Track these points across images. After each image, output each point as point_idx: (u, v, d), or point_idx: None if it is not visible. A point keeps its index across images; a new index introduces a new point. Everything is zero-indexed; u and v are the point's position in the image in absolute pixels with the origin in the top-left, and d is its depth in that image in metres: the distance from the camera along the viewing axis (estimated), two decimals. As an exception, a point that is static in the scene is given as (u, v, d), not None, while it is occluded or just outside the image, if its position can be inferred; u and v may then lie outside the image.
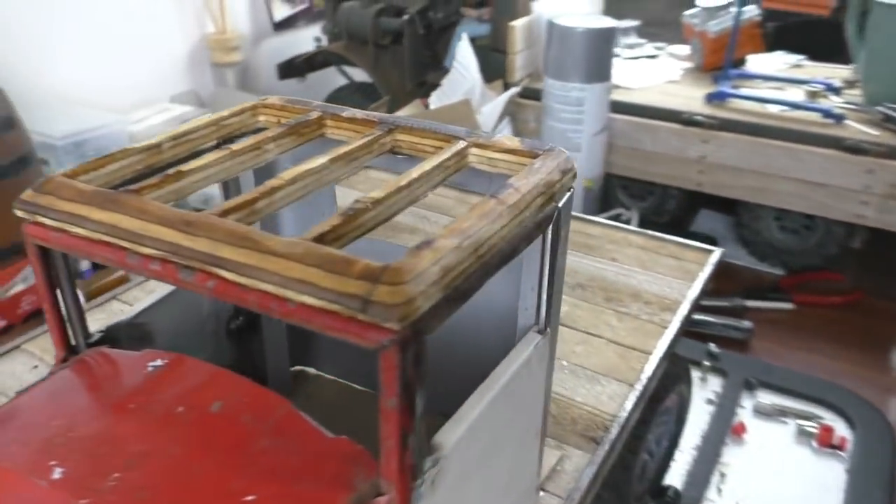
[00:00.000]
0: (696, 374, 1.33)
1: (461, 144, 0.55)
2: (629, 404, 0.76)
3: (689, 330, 1.08)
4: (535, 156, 0.54)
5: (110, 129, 1.77)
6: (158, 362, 0.47)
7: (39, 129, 1.69)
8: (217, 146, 0.58)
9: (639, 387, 0.79)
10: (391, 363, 0.36)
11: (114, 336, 0.56)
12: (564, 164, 0.53)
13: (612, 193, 1.92)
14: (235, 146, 0.54)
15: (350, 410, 0.73)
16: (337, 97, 2.31)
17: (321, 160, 0.51)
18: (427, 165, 0.51)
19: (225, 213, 0.44)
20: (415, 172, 0.50)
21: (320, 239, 0.41)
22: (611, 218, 1.70)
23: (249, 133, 0.62)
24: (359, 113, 0.61)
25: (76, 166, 0.50)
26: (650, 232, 1.12)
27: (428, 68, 2.10)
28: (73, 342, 0.53)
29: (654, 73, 1.93)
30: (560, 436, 0.73)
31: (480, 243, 0.42)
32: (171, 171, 0.49)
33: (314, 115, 0.61)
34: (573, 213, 1.07)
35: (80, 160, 1.68)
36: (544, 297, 0.55)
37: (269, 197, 0.47)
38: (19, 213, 0.47)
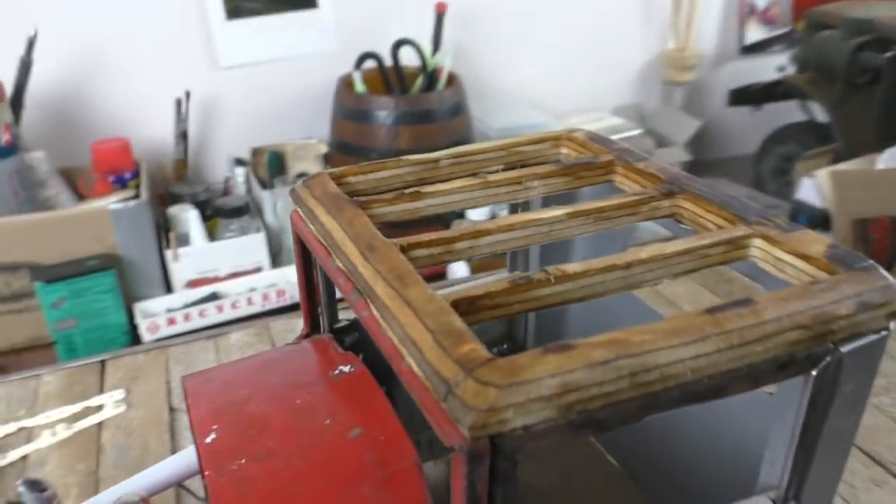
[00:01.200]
0: None
1: (741, 231, 0.43)
2: None
3: None
4: (833, 272, 0.39)
5: (540, 129, 1.89)
6: (346, 369, 0.48)
7: (482, 118, 1.89)
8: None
9: None
10: (457, 473, 0.30)
11: (360, 328, 0.59)
12: (872, 296, 0.37)
13: None
14: (493, 177, 0.51)
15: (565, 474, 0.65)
16: (783, 133, 2.07)
17: (557, 212, 0.45)
18: (671, 248, 0.41)
19: (413, 247, 0.42)
20: (645, 252, 0.41)
21: (464, 303, 0.36)
22: None
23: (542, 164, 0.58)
24: (652, 165, 0.52)
25: (351, 166, 0.53)
26: None
27: (910, 120, 1.73)
28: (319, 323, 0.57)
29: None
30: None
31: (646, 368, 0.32)
32: (409, 189, 0.49)
33: (605, 157, 0.54)
34: None
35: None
36: (791, 458, 0.40)
37: (473, 240, 0.43)
38: (291, 198, 0.53)
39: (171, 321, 1.57)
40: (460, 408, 0.30)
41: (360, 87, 1.72)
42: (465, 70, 1.90)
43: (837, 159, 1.75)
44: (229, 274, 1.66)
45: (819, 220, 1.57)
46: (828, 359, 0.37)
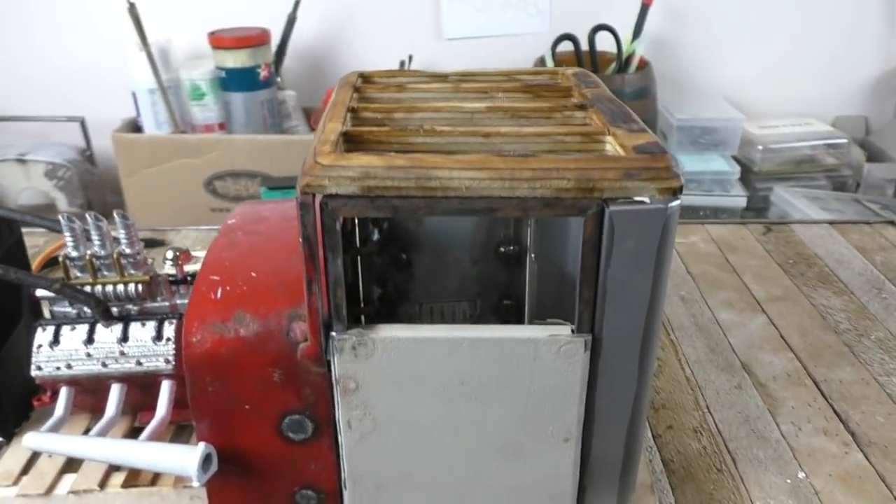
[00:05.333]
0: None
1: (595, 129, 0.55)
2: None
3: None
4: (633, 158, 0.50)
5: (728, 124, 1.89)
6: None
7: (668, 108, 1.95)
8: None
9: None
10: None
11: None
12: (640, 171, 0.48)
13: None
14: (465, 84, 0.67)
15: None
16: None
17: (479, 104, 0.61)
18: (529, 129, 0.55)
19: (361, 109, 0.60)
20: (505, 128, 0.55)
21: (353, 135, 0.54)
22: None
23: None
24: (594, 92, 0.64)
25: (384, 70, 0.72)
26: None
27: None
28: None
29: None
30: None
31: (429, 177, 0.48)
32: (397, 85, 0.67)
33: (566, 83, 0.67)
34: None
35: (692, 142, 1.87)
36: (583, 293, 0.52)
37: (408, 113, 0.61)
38: (339, 89, 0.74)
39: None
40: (301, 175, 0.49)
41: (549, 64, 1.89)
42: (664, 63, 1.97)
43: None
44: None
45: None
46: (594, 209, 0.49)
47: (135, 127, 1.96)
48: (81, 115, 2.11)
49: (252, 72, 1.86)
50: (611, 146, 0.55)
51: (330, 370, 0.55)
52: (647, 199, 0.49)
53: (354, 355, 0.54)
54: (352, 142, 0.54)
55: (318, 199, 0.49)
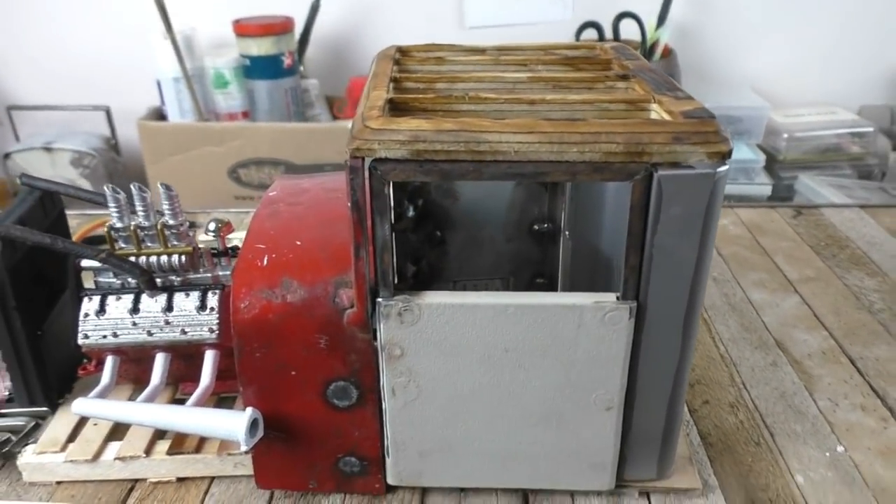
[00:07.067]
0: None
1: (640, 96, 0.55)
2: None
3: None
4: (681, 123, 0.50)
5: (753, 113, 1.88)
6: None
7: (695, 96, 1.93)
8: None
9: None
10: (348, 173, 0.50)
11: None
12: (690, 135, 0.48)
13: None
14: (504, 56, 0.67)
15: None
16: None
17: (520, 75, 0.61)
18: (574, 96, 0.55)
19: (403, 80, 0.61)
20: (550, 96, 0.55)
21: (398, 101, 0.54)
22: None
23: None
24: (636, 63, 0.64)
25: (420, 44, 0.73)
26: None
27: None
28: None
29: None
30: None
31: (478, 141, 0.48)
32: (436, 56, 0.67)
33: (605, 56, 0.67)
34: None
35: (732, 131, 1.85)
36: (629, 260, 0.52)
37: (450, 83, 0.61)
38: (376, 65, 0.74)
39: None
40: (350, 139, 0.50)
41: (573, 51, 1.88)
42: (688, 51, 1.96)
43: None
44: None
45: None
46: (642, 173, 0.49)
47: (159, 115, 1.97)
48: (107, 104, 2.13)
49: (276, 60, 1.86)
50: (656, 113, 0.55)
51: (376, 337, 0.55)
52: (693, 165, 0.49)
53: (400, 321, 0.54)
54: (397, 108, 0.55)
55: (367, 163, 0.49)
